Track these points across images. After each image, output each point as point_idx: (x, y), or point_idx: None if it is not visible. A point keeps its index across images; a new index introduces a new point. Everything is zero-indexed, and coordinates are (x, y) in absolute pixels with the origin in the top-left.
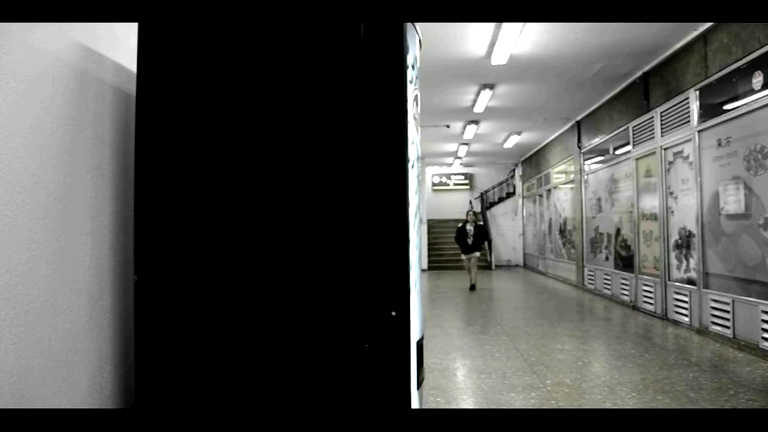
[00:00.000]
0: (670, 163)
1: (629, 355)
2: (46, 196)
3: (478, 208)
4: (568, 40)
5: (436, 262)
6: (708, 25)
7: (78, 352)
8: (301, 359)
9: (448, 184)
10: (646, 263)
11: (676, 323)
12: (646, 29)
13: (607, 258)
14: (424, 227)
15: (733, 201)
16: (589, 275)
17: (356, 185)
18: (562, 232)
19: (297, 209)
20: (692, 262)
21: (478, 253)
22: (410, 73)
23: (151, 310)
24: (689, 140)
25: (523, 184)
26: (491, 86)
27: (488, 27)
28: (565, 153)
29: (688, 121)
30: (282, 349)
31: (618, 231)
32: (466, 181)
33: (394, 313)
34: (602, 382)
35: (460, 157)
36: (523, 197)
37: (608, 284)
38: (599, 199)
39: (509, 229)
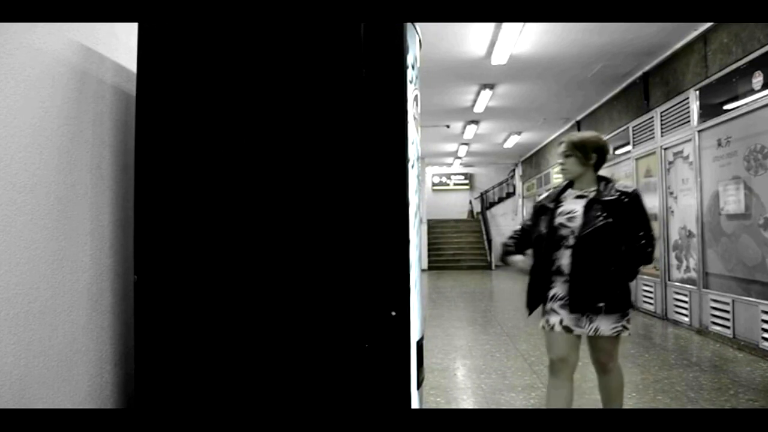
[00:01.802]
0: (670, 163)
1: (629, 354)
2: (46, 196)
3: (478, 208)
4: (568, 41)
5: (436, 262)
6: (708, 25)
7: (78, 352)
8: (302, 359)
9: (448, 184)
10: None
11: (676, 323)
12: (646, 29)
13: None
14: (424, 227)
15: (733, 201)
16: None
17: (356, 185)
18: None
19: (297, 209)
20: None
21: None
22: (410, 73)
23: (151, 310)
24: (689, 140)
25: (523, 184)
26: (491, 86)
27: (488, 27)
28: None
29: (688, 121)
30: (282, 349)
31: None
32: (466, 181)
33: (394, 313)
34: None
35: (460, 157)
36: (523, 197)
37: None
38: None
39: (509, 229)
